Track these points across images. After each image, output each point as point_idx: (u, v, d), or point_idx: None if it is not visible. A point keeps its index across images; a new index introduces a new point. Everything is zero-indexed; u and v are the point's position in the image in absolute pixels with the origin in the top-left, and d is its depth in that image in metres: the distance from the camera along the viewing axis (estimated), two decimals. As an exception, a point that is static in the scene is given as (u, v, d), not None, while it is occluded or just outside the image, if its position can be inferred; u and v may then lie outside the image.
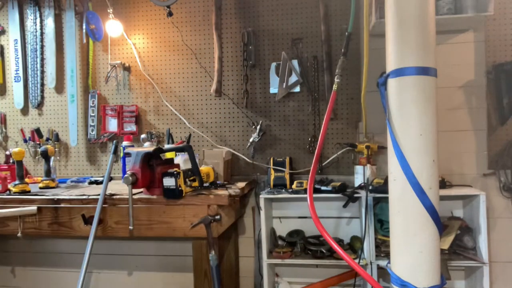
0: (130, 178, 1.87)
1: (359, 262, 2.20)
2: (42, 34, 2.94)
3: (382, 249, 2.21)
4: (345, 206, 2.31)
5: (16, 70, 2.96)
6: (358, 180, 2.36)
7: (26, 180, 2.41)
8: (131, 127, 2.82)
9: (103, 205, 2.00)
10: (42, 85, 2.96)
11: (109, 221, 2.03)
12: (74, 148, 2.92)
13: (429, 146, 1.15)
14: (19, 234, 2.09)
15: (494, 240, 2.38)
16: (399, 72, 1.17)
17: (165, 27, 2.78)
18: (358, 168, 2.36)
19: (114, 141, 2.20)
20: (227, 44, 2.70)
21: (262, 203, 2.33)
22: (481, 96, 2.38)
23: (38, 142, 2.87)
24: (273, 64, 2.62)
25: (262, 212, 2.33)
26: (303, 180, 2.41)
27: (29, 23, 2.95)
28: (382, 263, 2.16)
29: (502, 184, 2.38)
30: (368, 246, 2.19)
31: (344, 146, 2.51)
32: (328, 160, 2.56)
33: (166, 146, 2.21)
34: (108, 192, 2.05)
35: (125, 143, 2.59)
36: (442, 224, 1.17)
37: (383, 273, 2.32)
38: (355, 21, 1.32)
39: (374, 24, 2.18)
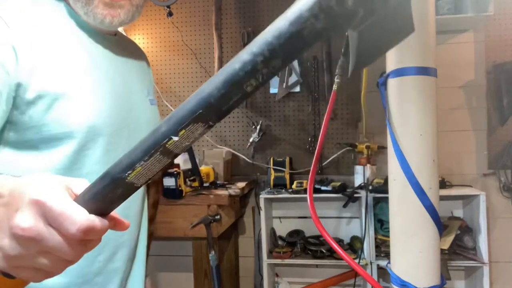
0: (130, 178, 1.87)
1: (359, 262, 2.20)
2: (42, 34, 2.93)
3: (382, 249, 2.21)
4: (345, 206, 2.31)
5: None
6: (358, 180, 2.36)
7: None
8: (131, 127, 2.82)
9: (103, 205, 2.00)
10: (42, 85, 2.96)
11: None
12: (74, 148, 2.92)
13: (429, 146, 1.15)
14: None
15: (494, 240, 2.38)
16: (399, 72, 1.17)
17: (165, 27, 2.77)
18: (358, 168, 2.36)
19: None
20: (227, 44, 2.70)
21: (262, 203, 2.33)
22: (481, 96, 2.38)
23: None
24: (273, 64, 2.61)
25: (262, 212, 2.33)
26: (303, 180, 2.40)
27: (29, 23, 2.94)
28: (382, 263, 2.16)
29: (502, 184, 2.37)
30: (368, 246, 2.19)
31: (344, 146, 2.51)
32: (328, 160, 2.56)
33: (166, 146, 2.21)
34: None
35: (125, 143, 2.59)
36: (442, 224, 1.17)
37: (383, 273, 2.32)
38: (355, 21, 1.32)
39: (374, 24, 2.18)
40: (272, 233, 2.51)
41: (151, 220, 1.05)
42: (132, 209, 0.89)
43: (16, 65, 0.67)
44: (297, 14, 0.35)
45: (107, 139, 0.78)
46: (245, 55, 0.36)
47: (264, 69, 0.36)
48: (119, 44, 0.89)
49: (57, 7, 0.78)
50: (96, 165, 0.77)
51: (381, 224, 2.26)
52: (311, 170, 1.47)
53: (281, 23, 0.35)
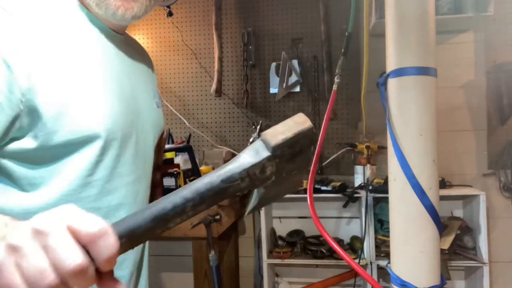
0: (130, 178, 1.87)
1: (359, 262, 2.20)
2: (42, 34, 2.93)
3: (382, 249, 2.21)
4: (345, 206, 2.31)
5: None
6: (358, 180, 2.36)
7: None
8: (131, 127, 2.82)
9: (103, 205, 2.00)
10: (42, 85, 2.96)
11: (109, 221, 2.03)
12: (74, 148, 2.91)
13: (429, 146, 1.15)
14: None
15: (494, 240, 2.38)
16: (399, 72, 1.17)
17: (165, 27, 2.77)
18: (358, 168, 2.36)
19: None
20: (227, 44, 2.70)
21: (262, 203, 2.33)
22: (481, 96, 2.38)
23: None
24: (273, 64, 2.62)
25: (262, 212, 2.33)
26: (303, 180, 2.40)
27: (29, 23, 2.94)
28: (382, 263, 2.16)
29: (502, 184, 2.37)
30: (368, 246, 2.19)
31: (344, 146, 2.50)
32: (328, 160, 2.56)
33: (166, 146, 2.21)
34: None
35: (125, 143, 2.59)
36: (442, 224, 1.17)
37: (383, 273, 2.32)
38: (355, 21, 1.32)
39: (374, 24, 2.18)
40: (272, 233, 2.51)
41: None
42: None
43: (22, 65, 0.62)
44: (229, 175, 0.45)
45: (119, 143, 0.74)
46: (178, 198, 0.44)
47: (190, 212, 0.45)
48: (126, 44, 0.85)
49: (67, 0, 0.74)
50: (106, 170, 0.74)
51: (381, 224, 2.26)
52: (311, 170, 1.47)
53: (213, 178, 0.45)
